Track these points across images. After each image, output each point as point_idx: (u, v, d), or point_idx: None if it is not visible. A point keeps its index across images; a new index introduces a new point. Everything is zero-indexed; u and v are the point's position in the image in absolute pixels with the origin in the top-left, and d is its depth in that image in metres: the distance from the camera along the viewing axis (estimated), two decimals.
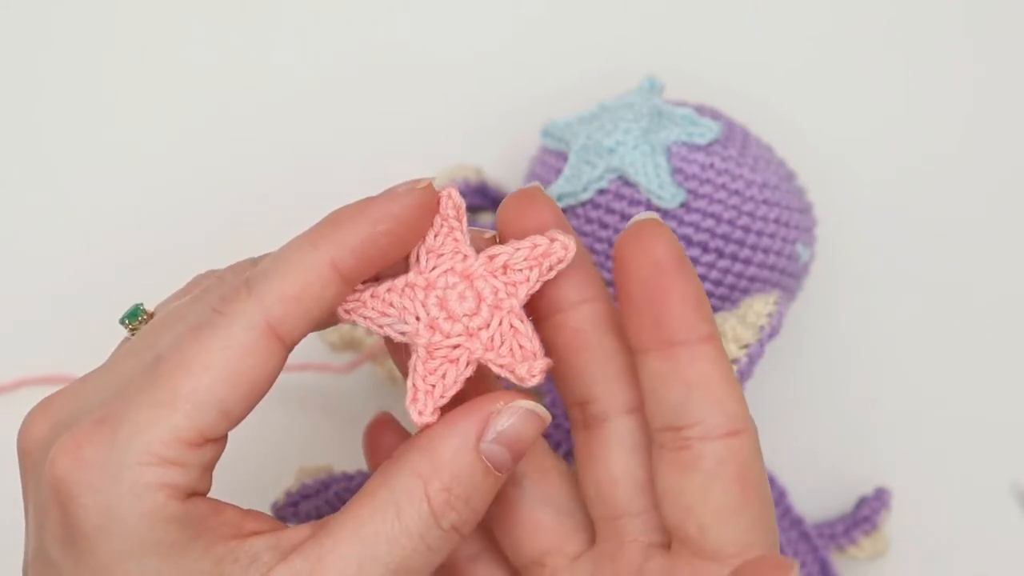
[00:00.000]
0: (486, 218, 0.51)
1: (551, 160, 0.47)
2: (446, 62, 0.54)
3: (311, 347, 0.50)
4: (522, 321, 0.32)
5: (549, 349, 0.33)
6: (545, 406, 0.33)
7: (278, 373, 0.31)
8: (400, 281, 0.32)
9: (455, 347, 0.32)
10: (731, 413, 0.31)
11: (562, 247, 0.32)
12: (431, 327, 0.32)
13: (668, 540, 0.33)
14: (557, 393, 0.35)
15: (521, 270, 0.32)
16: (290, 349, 0.31)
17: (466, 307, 0.32)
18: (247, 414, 0.31)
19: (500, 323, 0.32)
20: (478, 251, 0.33)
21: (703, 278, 0.44)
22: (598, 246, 0.45)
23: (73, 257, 0.51)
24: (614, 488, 0.33)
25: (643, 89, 0.46)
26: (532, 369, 0.32)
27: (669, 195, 0.43)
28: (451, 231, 0.33)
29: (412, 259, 0.33)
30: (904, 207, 0.53)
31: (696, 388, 0.31)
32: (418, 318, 0.32)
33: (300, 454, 0.47)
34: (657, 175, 0.44)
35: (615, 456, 0.33)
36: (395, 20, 0.55)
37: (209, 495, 0.32)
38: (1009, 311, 0.52)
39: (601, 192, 0.45)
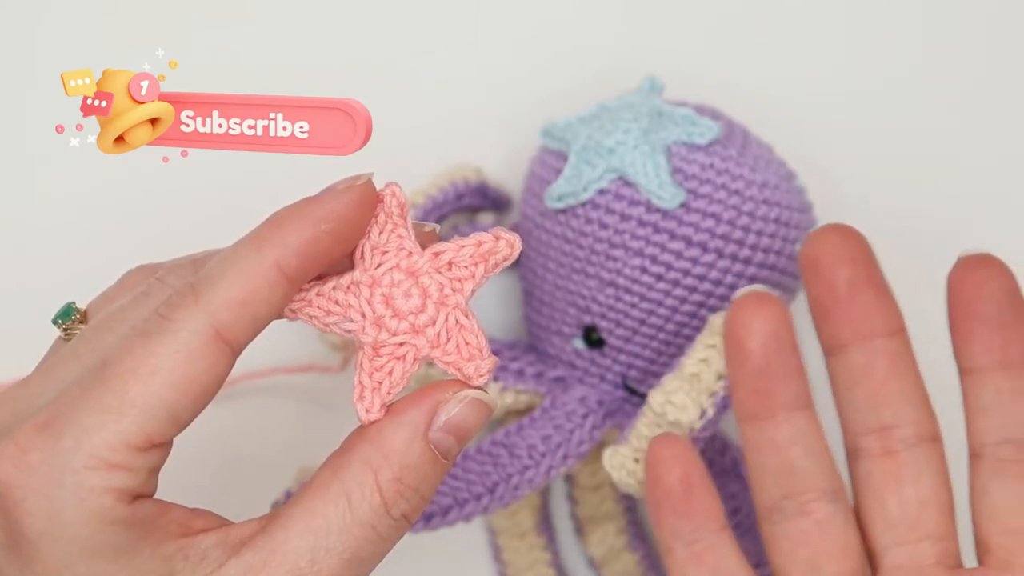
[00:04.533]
0: (486, 218, 0.52)
1: (551, 160, 0.47)
2: (446, 62, 0.54)
3: (311, 348, 0.50)
4: (468, 317, 0.32)
5: (860, 373, 0.34)
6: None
7: (225, 377, 0.31)
8: (345, 279, 0.32)
9: (401, 344, 0.32)
10: None
11: (507, 245, 0.32)
12: (377, 324, 0.32)
13: (960, 564, 0.35)
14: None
15: (467, 267, 0.32)
16: (238, 353, 0.31)
17: (412, 304, 0.32)
18: (194, 419, 0.31)
19: (446, 319, 0.32)
20: (421, 244, 0.33)
21: (703, 278, 0.44)
22: (598, 246, 0.44)
23: None
24: (924, 511, 0.34)
25: (643, 89, 0.46)
26: (480, 368, 0.32)
27: (669, 195, 0.43)
28: (395, 228, 0.32)
29: (357, 256, 0.32)
30: (905, 208, 0.53)
31: None
32: (364, 315, 0.32)
33: (300, 454, 0.47)
34: (657, 175, 0.44)
35: (925, 480, 0.34)
36: (395, 20, 0.55)
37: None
38: None
39: (601, 192, 0.45)
